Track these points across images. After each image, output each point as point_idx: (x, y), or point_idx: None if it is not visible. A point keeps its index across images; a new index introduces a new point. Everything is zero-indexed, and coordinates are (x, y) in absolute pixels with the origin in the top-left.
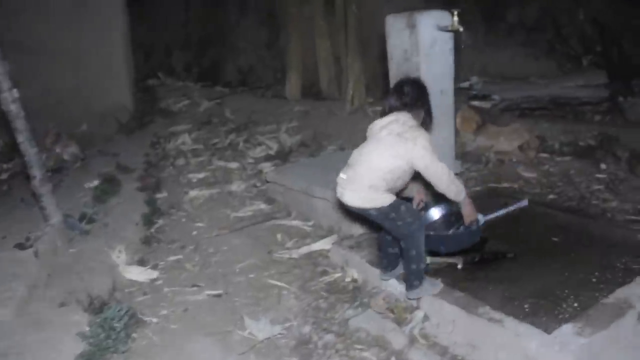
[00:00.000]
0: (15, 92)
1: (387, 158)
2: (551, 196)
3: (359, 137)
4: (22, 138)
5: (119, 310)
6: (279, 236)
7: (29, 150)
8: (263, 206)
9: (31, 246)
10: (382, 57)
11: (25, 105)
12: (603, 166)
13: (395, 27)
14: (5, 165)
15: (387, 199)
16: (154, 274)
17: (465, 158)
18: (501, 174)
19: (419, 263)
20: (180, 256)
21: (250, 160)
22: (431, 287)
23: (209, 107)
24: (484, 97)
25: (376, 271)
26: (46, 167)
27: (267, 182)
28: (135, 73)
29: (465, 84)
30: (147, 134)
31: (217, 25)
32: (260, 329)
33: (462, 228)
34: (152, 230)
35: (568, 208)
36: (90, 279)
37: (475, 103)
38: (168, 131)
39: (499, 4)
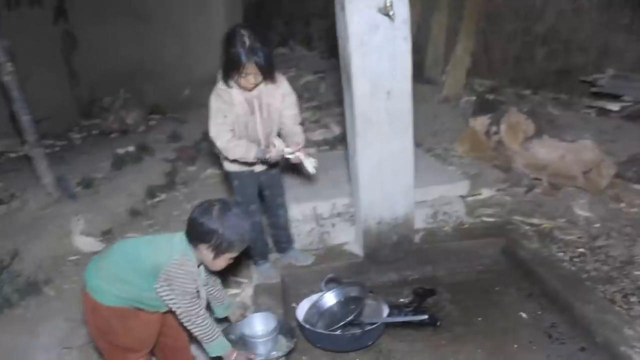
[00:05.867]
0: (10, 66)
1: None
2: (581, 250)
3: (426, 132)
4: (16, 106)
5: (17, 277)
6: None
7: (23, 117)
8: None
9: (7, 202)
10: (514, 36)
11: (139, 68)
12: None
13: (337, 8)
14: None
15: None
16: (100, 247)
17: (507, 177)
18: (544, 206)
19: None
20: (138, 234)
21: None
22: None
23: (309, 80)
24: (613, 97)
25: None
26: (111, 129)
27: None
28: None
29: (589, 78)
30: None
31: None
32: None
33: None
34: (149, 203)
35: (573, 276)
36: (35, 240)
37: (598, 104)
38: None
39: None
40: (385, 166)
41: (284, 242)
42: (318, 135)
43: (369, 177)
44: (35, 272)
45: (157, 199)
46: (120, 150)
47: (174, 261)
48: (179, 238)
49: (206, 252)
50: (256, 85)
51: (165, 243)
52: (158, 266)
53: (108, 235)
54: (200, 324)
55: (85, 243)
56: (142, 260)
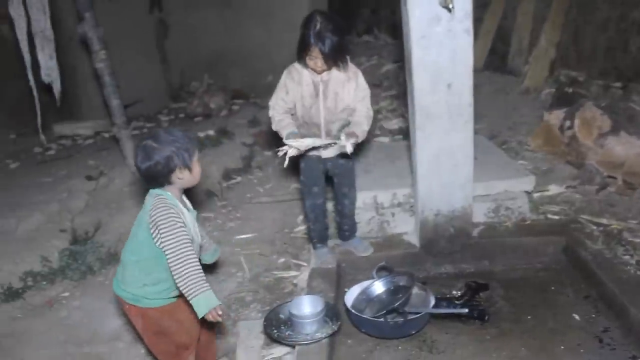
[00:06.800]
0: (103, 54)
1: None
2: None
3: (503, 124)
4: (107, 91)
5: (99, 247)
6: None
7: (113, 101)
8: None
9: (96, 179)
10: (607, 24)
11: (225, 54)
12: None
13: (401, 2)
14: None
15: None
16: None
17: (578, 174)
18: (616, 206)
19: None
20: (211, 214)
21: (376, 132)
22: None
23: (390, 69)
24: None
25: None
26: (195, 113)
27: None
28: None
29: None
30: None
31: None
32: None
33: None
34: (224, 185)
35: (635, 280)
36: (117, 215)
37: None
38: None
39: None
40: (444, 159)
41: (346, 230)
42: (394, 124)
43: (427, 169)
44: (115, 243)
45: (232, 182)
46: (201, 134)
47: (150, 207)
48: (149, 194)
49: (182, 175)
50: (324, 69)
51: (144, 208)
52: (146, 224)
53: None
54: (190, 271)
55: None
56: (138, 233)
